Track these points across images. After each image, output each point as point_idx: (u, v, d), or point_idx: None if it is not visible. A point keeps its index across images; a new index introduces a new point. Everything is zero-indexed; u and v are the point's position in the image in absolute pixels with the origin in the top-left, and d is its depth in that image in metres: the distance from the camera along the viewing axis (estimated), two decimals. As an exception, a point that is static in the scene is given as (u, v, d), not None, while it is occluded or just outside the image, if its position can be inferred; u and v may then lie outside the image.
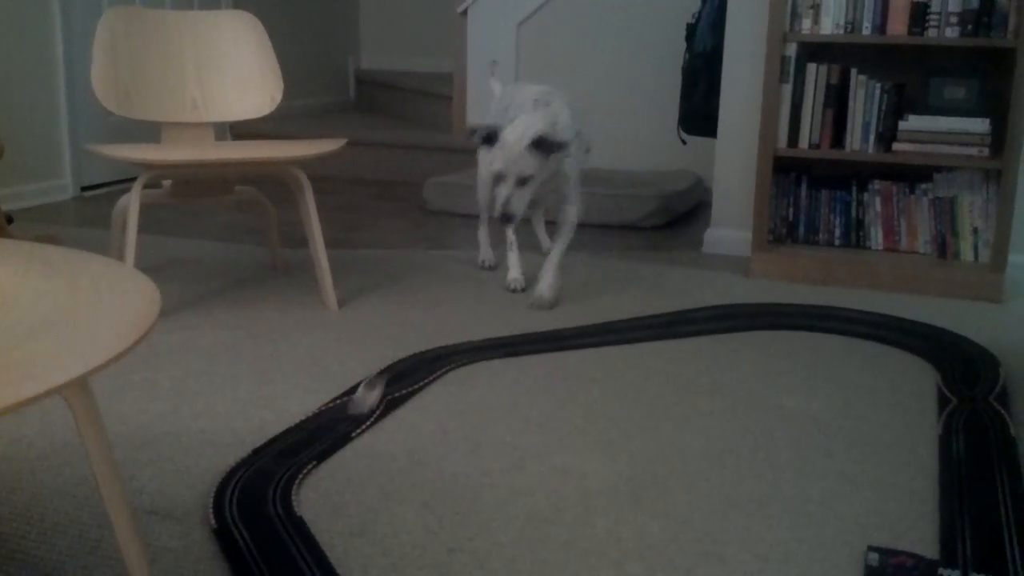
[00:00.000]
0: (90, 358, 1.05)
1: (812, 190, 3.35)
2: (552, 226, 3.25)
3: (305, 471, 1.79)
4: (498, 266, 3.27)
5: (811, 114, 3.18)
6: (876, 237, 3.32)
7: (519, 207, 2.78)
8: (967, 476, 1.83)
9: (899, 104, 3.15)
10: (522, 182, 2.76)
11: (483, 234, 3.38)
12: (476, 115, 4.89)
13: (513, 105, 2.96)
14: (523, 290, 3.04)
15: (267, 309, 2.80)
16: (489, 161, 2.83)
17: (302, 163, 2.75)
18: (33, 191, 4.23)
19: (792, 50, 3.15)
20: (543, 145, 2.74)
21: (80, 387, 1.24)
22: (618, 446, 1.94)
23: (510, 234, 3.09)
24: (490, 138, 2.82)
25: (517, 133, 2.75)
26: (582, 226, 3.22)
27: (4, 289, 1.33)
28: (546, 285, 2.92)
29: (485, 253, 3.36)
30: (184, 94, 3.04)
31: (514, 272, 3.08)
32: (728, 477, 1.82)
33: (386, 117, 6.02)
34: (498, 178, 2.79)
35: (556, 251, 3.00)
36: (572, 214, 3.03)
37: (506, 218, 2.79)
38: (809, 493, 1.76)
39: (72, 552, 1.51)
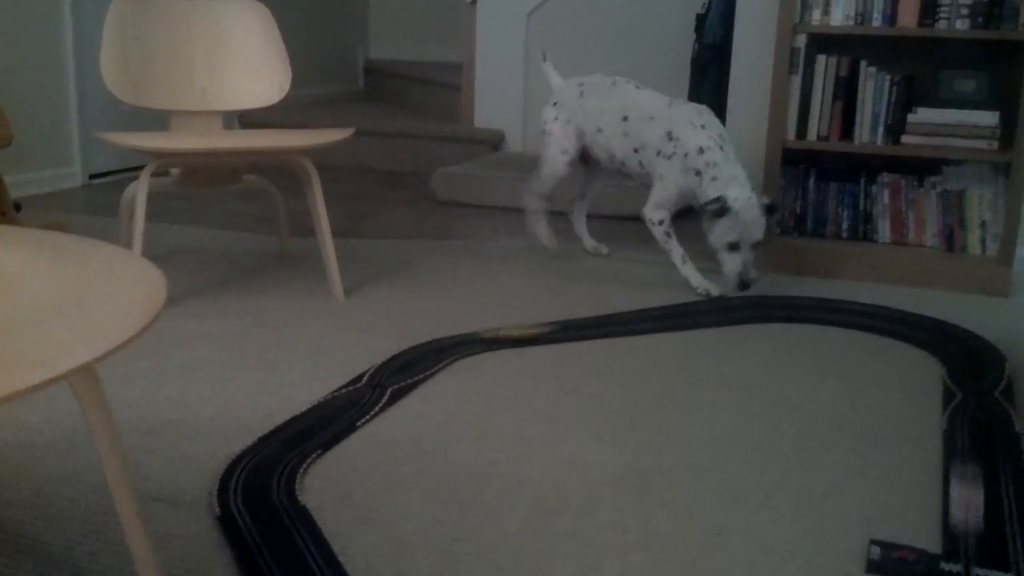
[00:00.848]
0: (97, 345, 1.05)
1: (820, 182, 3.35)
2: (591, 220, 3.29)
3: (310, 459, 1.79)
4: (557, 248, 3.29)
5: (820, 106, 3.18)
6: (884, 230, 3.31)
7: (755, 273, 2.88)
8: (971, 470, 1.83)
9: (908, 96, 3.14)
10: (756, 246, 2.86)
11: (543, 223, 3.33)
12: (484, 105, 4.89)
13: (674, 127, 2.92)
14: (719, 295, 2.95)
15: (274, 298, 2.81)
16: (721, 232, 2.82)
17: (310, 152, 2.75)
18: (42, 179, 4.24)
19: (801, 41, 3.14)
20: (771, 208, 2.88)
21: (87, 374, 1.24)
22: (624, 437, 1.94)
23: (677, 249, 3.02)
24: (723, 210, 2.79)
25: (747, 200, 2.81)
26: (589, 217, 3.23)
27: (12, 276, 1.34)
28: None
29: (550, 239, 3.33)
30: (193, 83, 3.04)
31: (696, 279, 2.98)
32: (733, 468, 1.82)
33: (394, 107, 6.02)
34: (732, 247, 2.83)
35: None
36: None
37: (746, 286, 2.85)
38: (814, 485, 1.76)
39: (79, 538, 1.52)
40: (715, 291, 2.94)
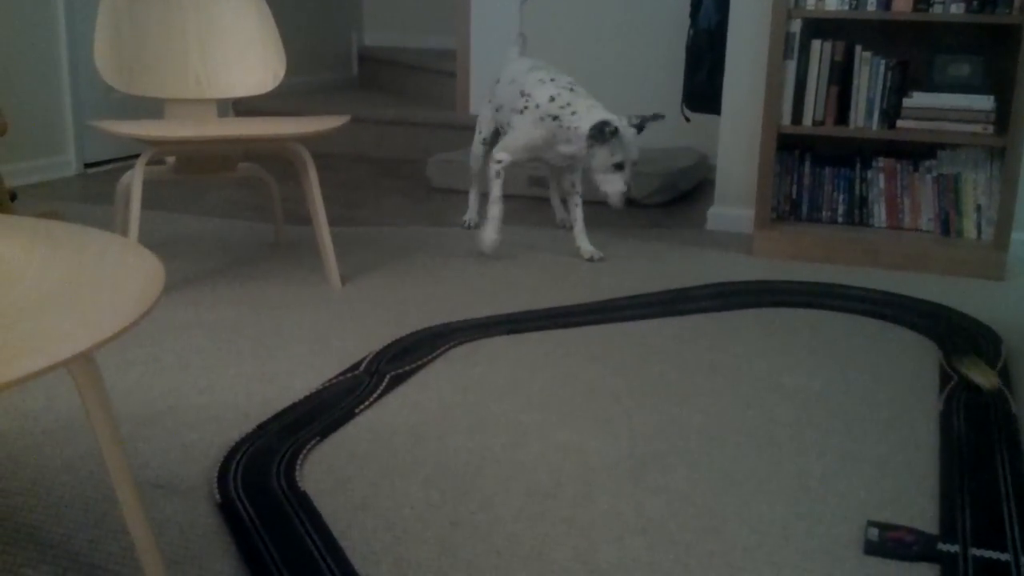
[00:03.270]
0: (95, 332, 1.06)
1: (815, 167, 3.35)
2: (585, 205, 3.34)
3: (309, 446, 1.80)
4: (480, 226, 3.33)
5: (815, 91, 3.18)
6: (879, 215, 3.31)
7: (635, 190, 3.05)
8: (968, 452, 1.84)
9: (903, 81, 3.14)
10: (634, 164, 3.02)
11: (474, 196, 3.59)
12: (479, 92, 4.87)
13: (523, 85, 3.11)
14: (475, 227, 3.28)
15: (270, 286, 2.81)
16: (607, 155, 2.94)
17: (305, 140, 2.75)
18: (36, 168, 4.23)
19: (796, 26, 3.14)
20: (640, 128, 3.01)
21: (85, 361, 1.24)
22: (619, 423, 1.95)
23: (498, 190, 3.16)
24: (613, 132, 2.92)
25: (623, 124, 2.96)
26: (585, 203, 3.23)
27: (10, 264, 1.34)
28: (589, 245, 3.20)
29: (472, 214, 3.58)
30: (187, 70, 3.03)
31: (490, 234, 3.14)
32: (728, 454, 1.83)
33: (389, 94, 6.01)
34: (619, 167, 2.96)
35: (580, 217, 3.23)
36: (580, 187, 3.25)
37: (630, 202, 3.02)
38: (809, 470, 1.77)
39: (78, 526, 1.53)
40: (474, 225, 3.27)
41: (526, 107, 3.07)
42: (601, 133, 2.91)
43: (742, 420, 1.98)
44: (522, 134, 3.10)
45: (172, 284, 2.81)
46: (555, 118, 3.02)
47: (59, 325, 1.09)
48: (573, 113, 2.99)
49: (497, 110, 3.32)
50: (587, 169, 3.03)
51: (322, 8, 6.18)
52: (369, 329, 2.46)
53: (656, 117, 3.07)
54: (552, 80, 3.07)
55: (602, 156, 2.95)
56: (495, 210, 3.12)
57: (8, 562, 1.43)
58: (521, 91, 3.11)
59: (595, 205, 3.72)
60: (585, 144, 2.95)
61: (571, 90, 3.04)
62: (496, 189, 3.12)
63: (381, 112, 5.21)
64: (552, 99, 3.02)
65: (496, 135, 3.37)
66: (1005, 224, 3.04)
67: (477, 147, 3.47)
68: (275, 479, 1.67)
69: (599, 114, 2.95)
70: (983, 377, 2.12)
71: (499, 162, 3.12)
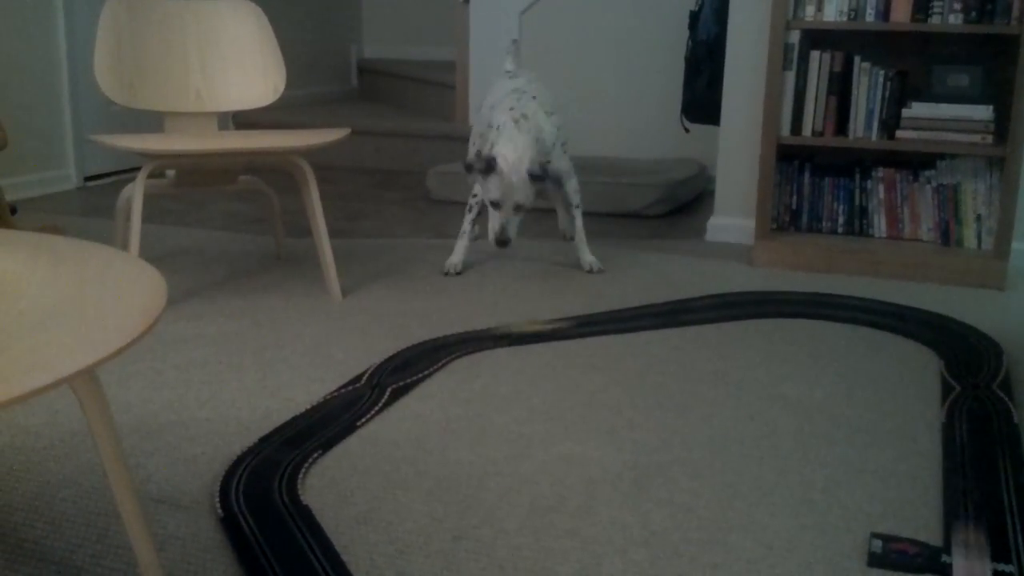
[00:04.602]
0: (99, 348, 1.05)
1: (815, 178, 3.35)
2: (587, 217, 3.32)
3: (311, 460, 1.80)
4: (463, 272, 3.16)
5: (814, 102, 3.18)
6: (879, 225, 3.31)
7: (514, 233, 2.92)
8: (970, 463, 1.84)
9: (902, 91, 3.14)
10: (518, 209, 2.90)
11: (464, 243, 3.19)
12: (479, 103, 4.88)
13: (494, 110, 3.06)
14: (458, 274, 3.10)
15: (271, 298, 2.81)
16: (486, 189, 2.91)
17: (305, 153, 2.75)
18: (36, 182, 4.23)
19: (795, 37, 3.14)
20: (537, 176, 2.88)
21: (88, 377, 1.24)
22: (621, 434, 1.95)
23: (467, 223, 3.14)
24: (489, 167, 2.87)
25: (510, 163, 2.86)
26: (585, 214, 3.23)
27: (12, 279, 1.34)
28: (590, 256, 3.18)
29: (457, 258, 3.16)
30: (187, 84, 3.04)
31: (456, 257, 3.12)
32: (731, 465, 1.83)
33: (389, 106, 6.02)
34: (495, 205, 2.90)
35: (580, 228, 3.20)
36: (575, 199, 3.20)
37: (503, 243, 2.91)
38: (812, 481, 1.77)
39: (81, 541, 1.52)
40: (455, 269, 3.10)
41: (490, 125, 3.04)
42: (469, 166, 2.95)
43: (744, 431, 1.98)
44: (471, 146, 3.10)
45: (173, 297, 2.81)
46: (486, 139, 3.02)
47: (61, 341, 1.09)
48: (492, 145, 2.94)
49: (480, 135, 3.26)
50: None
51: (321, 21, 6.20)
52: (370, 341, 2.46)
53: (544, 175, 2.95)
54: (511, 109, 2.99)
55: (485, 187, 2.92)
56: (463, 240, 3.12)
57: (10, 578, 1.42)
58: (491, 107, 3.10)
59: (596, 217, 3.72)
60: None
61: (515, 122, 2.94)
62: (466, 223, 3.13)
63: (381, 124, 5.22)
64: (494, 127, 2.99)
65: None
66: (1005, 233, 3.04)
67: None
68: (277, 493, 1.67)
69: (498, 149, 2.89)
70: None
71: (474, 195, 3.11)
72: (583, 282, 3.05)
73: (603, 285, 3.02)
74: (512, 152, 2.87)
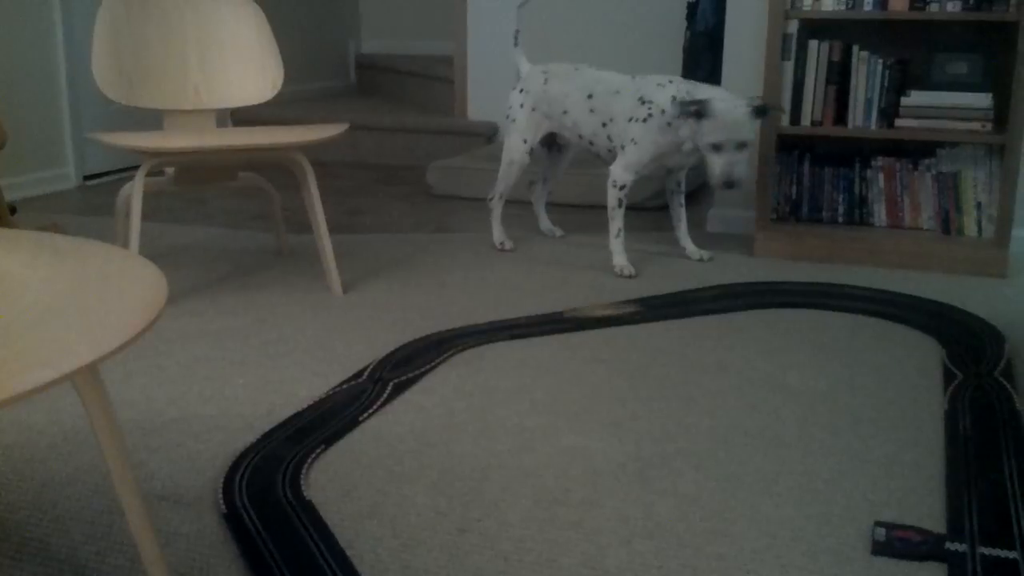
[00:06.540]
0: (100, 344, 1.05)
1: (815, 168, 3.35)
2: (559, 208, 3.28)
3: (314, 455, 1.80)
4: (515, 249, 3.26)
5: (813, 91, 3.18)
6: (880, 214, 3.31)
7: (744, 172, 2.86)
8: (973, 451, 1.84)
9: (901, 80, 3.14)
10: (741, 147, 2.82)
11: (497, 216, 3.36)
12: (477, 97, 4.88)
13: (642, 90, 2.98)
14: (631, 276, 3.02)
15: (273, 294, 2.81)
16: (703, 134, 2.82)
17: (304, 148, 2.75)
18: (36, 180, 4.23)
19: (793, 27, 3.14)
20: (760, 110, 2.85)
21: (90, 374, 1.24)
22: (625, 426, 1.95)
23: (618, 225, 3.06)
24: (700, 113, 2.81)
25: (732, 103, 2.82)
26: (585, 207, 3.23)
27: (13, 277, 1.34)
28: (694, 245, 3.22)
29: (501, 235, 3.35)
30: (186, 81, 3.03)
31: (621, 258, 3.06)
32: (735, 455, 1.83)
33: (387, 101, 6.01)
34: (716, 148, 2.81)
35: (684, 215, 3.23)
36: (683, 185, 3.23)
37: (730, 185, 2.85)
38: (816, 470, 1.77)
39: (84, 539, 1.52)
40: (630, 271, 3.01)
41: (650, 114, 2.94)
42: (692, 111, 2.82)
43: (748, 421, 1.98)
44: (649, 144, 2.97)
45: (175, 294, 2.81)
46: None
47: (63, 338, 1.09)
48: (688, 94, 2.90)
49: (547, 116, 3.20)
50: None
51: (319, 16, 6.19)
52: (372, 336, 2.46)
53: (776, 109, 3.01)
54: (670, 82, 2.96)
55: (701, 132, 2.83)
56: (618, 242, 3.06)
57: (15, 576, 1.42)
58: (640, 98, 2.97)
59: (595, 209, 3.72)
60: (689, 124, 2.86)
61: (687, 82, 2.94)
62: (618, 217, 3.05)
63: (380, 119, 5.21)
64: (675, 99, 2.90)
65: (550, 139, 3.29)
66: (1005, 221, 3.04)
67: (520, 156, 3.26)
68: (281, 488, 1.67)
69: (705, 94, 2.85)
70: None
71: (623, 188, 3.03)
72: (584, 276, 3.04)
73: (604, 278, 3.01)
74: (724, 96, 2.85)
